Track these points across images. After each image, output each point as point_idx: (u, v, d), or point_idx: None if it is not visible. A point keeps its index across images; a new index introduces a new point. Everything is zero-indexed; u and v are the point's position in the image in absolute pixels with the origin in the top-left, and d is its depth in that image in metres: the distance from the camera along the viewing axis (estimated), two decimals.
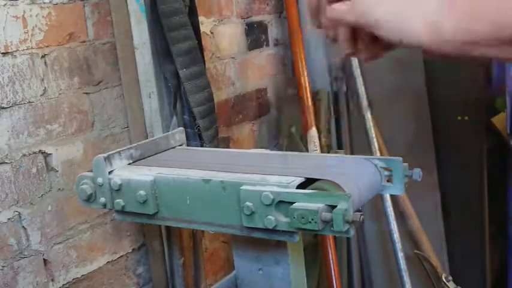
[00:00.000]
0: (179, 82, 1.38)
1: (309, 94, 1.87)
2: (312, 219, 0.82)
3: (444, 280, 1.85)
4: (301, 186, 0.89)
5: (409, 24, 0.73)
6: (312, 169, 0.97)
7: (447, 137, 2.12)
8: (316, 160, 1.08)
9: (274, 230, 0.88)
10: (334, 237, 1.82)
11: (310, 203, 0.83)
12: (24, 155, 1.22)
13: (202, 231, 1.55)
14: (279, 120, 2.04)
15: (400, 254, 1.88)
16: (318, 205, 0.83)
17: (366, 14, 0.74)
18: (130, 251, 1.46)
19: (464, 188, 2.12)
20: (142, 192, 0.99)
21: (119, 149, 1.08)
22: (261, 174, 0.94)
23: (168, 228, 1.43)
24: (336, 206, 0.82)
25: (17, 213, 1.20)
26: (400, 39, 0.74)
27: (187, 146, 1.28)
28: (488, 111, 2.13)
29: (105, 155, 1.04)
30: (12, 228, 1.19)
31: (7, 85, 1.17)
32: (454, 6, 0.72)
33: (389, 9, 0.73)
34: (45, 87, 1.25)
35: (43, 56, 1.24)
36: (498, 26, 0.71)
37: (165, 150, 1.17)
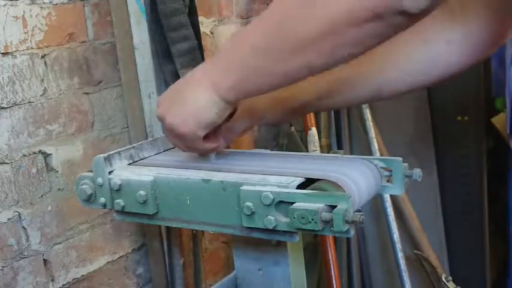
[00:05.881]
0: None
1: None
2: (312, 219, 0.82)
3: (444, 280, 1.85)
4: (301, 186, 0.89)
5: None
6: (312, 169, 0.96)
7: (447, 137, 2.12)
8: (316, 160, 1.08)
9: (274, 230, 0.88)
10: (334, 237, 1.82)
11: (310, 203, 0.83)
12: (24, 155, 1.22)
13: (202, 231, 1.55)
14: None
15: (400, 254, 1.88)
16: (318, 205, 0.83)
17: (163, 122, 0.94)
18: (130, 251, 1.47)
19: (464, 188, 2.12)
20: (142, 192, 0.99)
21: (118, 149, 1.08)
22: (261, 174, 0.94)
23: (168, 228, 1.43)
24: (335, 206, 0.82)
25: (17, 213, 1.20)
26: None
27: None
28: (488, 111, 2.13)
29: (105, 155, 1.04)
30: (12, 229, 1.19)
31: (7, 85, 1.17)
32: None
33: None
34: (45, 88, 1.25)
35: (43, 56, 1.25)
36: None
37: (165, 151, 1.17)
